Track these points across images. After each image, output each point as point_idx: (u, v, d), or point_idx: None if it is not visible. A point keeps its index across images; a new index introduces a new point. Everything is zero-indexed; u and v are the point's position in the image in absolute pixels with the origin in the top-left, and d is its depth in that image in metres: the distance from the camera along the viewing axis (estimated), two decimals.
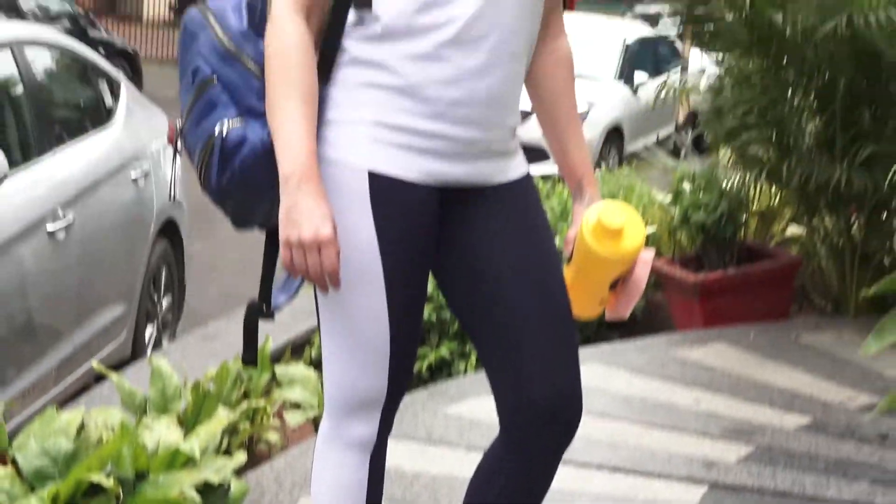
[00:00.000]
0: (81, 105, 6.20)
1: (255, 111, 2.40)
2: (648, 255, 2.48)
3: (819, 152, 5.87)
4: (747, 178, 6.13)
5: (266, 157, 2.36)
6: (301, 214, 2.26)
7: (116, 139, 6.02)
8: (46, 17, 18.09)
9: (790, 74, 5.78)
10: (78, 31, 18.16)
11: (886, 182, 5.29)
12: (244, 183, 2.41)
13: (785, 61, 5.77)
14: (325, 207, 2.28)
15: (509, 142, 2.51)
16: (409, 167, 2.38)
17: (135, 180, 5.98)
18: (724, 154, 6.63)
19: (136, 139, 6.22)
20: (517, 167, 2.53)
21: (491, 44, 2.39)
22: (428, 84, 2.37)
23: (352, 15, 2.40)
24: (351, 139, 2.39)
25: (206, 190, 2.48)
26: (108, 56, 18.25)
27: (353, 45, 2.40)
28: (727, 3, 5.76)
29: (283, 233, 2.28)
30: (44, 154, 5.20)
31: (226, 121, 2.41)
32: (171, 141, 6.57)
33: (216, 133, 2.40)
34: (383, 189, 2.37)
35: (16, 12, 17.35)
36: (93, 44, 18.35)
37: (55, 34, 6.11)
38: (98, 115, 6.09)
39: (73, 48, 6.06)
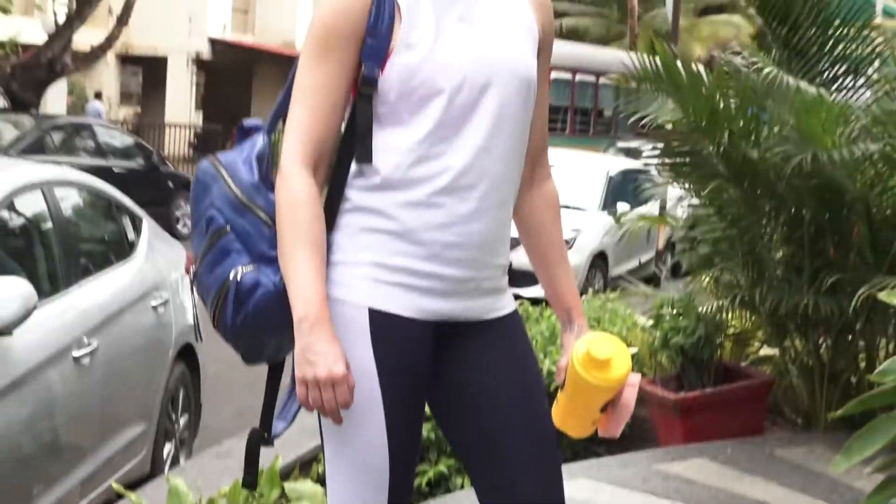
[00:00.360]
0: (106, 239, 6.28)
1: (266, 257, 2.46)
2: (635, 379, 2.55)
3: (788, 280, 5.94)
4: (722, 303, 6.20)
5: (278, 299, 2.41)
6: (316, 355, 2.31)
7: (138, 270, 6.10)
8: (121, 153, 18.57)
9: (763, 205, 5.86)
10: (150, 167, 18.53)
11: (851, 307, 5.36)
12: (257, 324, 2.46)
13: (758, 193, 5.85)
14: (337, 348, 2.33)
15: (499, 280, 2.57)
16: (407, 305, 2.45)
17: (155, 308, 6.06)
18: (701, 281, 6.71)
19: (156, 270, 6.30)
20: (506, 304, 2.60)
21: (481, 192, 2.46)
22: (423, 229, 2.43)
23: (353, 167, 2.48)
24: (353, 279, 2.45)
25: (218, 330, 2.52)
26: (176, 188, 18.59)
27: (354, 193, 2.47)
28: (706, 137, 5.84)
29: (300, 371, 2.32)
30: (71, 286, 5.27)
31: (240, 267, 2.45)
32: (188, 271, 6.71)
33: (231, 278, 2.45)
34: (383, 325, 2.43)
35: (96, 148, 17.96)
36: (164, 178, 18.74)
37: (82, 175, 6.21)
38: (121, 249, 6.18)
39: (99, 187, 6.16)
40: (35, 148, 16.56)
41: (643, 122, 6.08)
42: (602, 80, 25.79)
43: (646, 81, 5.83)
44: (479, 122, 2.46)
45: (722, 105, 5.62)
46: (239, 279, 2.45)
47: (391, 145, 2.44)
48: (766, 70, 5.54)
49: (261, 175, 2.54)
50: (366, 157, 2.46)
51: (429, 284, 2.46)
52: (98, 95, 31.67)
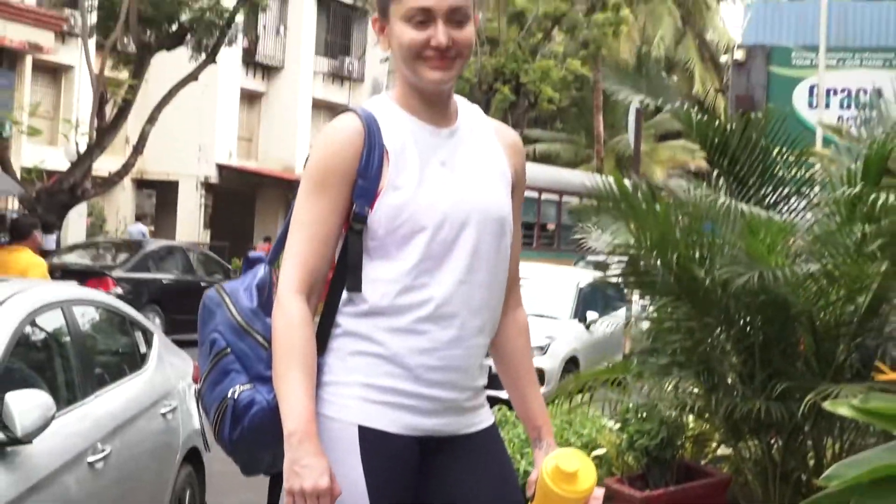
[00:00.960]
0: (120, 352, 6.27)
1: (262, 377, 2.47)
2: (599, 493, 2.55)
3: (741, 387, 5.94)
4: (682, 408, 6.18)
5: (272, 415, 2.42)
6: (303, 468, 2.32)
7: (149, 380, 6.09)
8: (204, 269, 19.55)
9: (713, 320, 5.88)
10: (213, 260, 19.29)
11: (799, 412, 5.34)
12: (253, 438, 2.48)
13: (708, 309, 5.87)
14: (323, 462, 2.34)
15: (477, 398, 2.60)
16: (395, 422, 2.46)
17: (164, 415, 6.03)
18: (662, 387, 6.69)
19: (165, 380, 6.29)
20: (484, 418, 2.62)
21: (461, 320, 2.49)
22: (408, 353, 2.46)
23: (344, 295, 2.51)
24: (344, 398, 2.46)
25: (219, 442, 2.54)
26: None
27: (344, 319, 2.50)
28: (660, 259, 5.86)
29: (287, 483, 2.33)
30: (87, 395, 5.25)
31: (238, 386, 2.48)
32: (196, 380, 6.69)
33: (229, 395, 2.47)
34: (372, 441, 2.44)
35: (186, 265, 18.96)
36: (228, 272, 19.74)
37: (97, 294, 6.24)
38: (134, 361, 6.17)
39: (114, 305, 6.18)
40: (140, 267, 17.78)
41: (601, 242, 6.10)
42: (565, 198, 25.93)
43: (604, 207, 5.85)
44: (459, 256, 2.50)
45: (672, 229, 5.64)
46: (236, 397, 2.47)
47: (379, 276, 2.47)
48: (711, 198, 5.59)
49: (260, 302, 2.57)
50: (356, 286, 2.48)
51: (414, 403, 2.47)
52: (140, 218, 32.05)
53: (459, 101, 2.69)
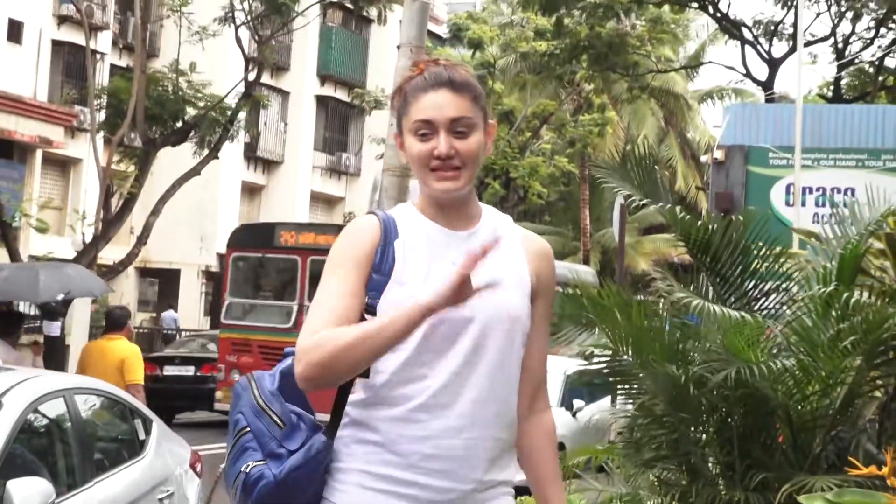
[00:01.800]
0: (119, 439, 6.26)
1: (275, 454, 2.51)
2: None
3: (722, 477, 5.91)
4: (664, 499, 6.14)
5: (277, 490, 2.46)
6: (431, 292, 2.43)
7: (148, 467, 6.07)
8: None
9: (689, 415, 5.86)
10: None
11: (776, 502, 5.32)
12: None
13: (683, 405, 5.84)
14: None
15: (488, 491, 2.56)
16: None
17: (161, 500, 6.00)
18: (645, 477, 6.66)
19: (163, 466, 6.27)
20: None
21: (458, 411, 2.49)
22: (403, 441, 2.47)
23: (353, 387, 2.54)
24: (345, 485, 2.50)
25: None
26: None
27: (351, 409, 2.55)
28: (635, 357, 5.84)
29: (435, 300, 2.44)
30: (87, 482, 5.24)
31: (251, 462, 2.51)
32: (192, 466, 6.64)
33: (243, 469, 2.52)
34: None
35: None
36: None
37: (101, 383, 6.23)
38: (133, 448, 6.15)
39: (115, 394, 6.18)
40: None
41: (579, 340, 6.08)
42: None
43: (578, 311, 5.88)
44: (458, 350, 2.51)
45: (645, 331, 5.64)
46: (248, 471, 2.51)
47: (381, 367, 2.50)
48: (686, 300, 5.62)
49: (281, 385, 2.60)
50: (364, 373, 2.50)
51: (409, 492, 2.48)
52: (172, 306, 32.30)
53: (486, 209, 2.72)
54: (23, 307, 15.31)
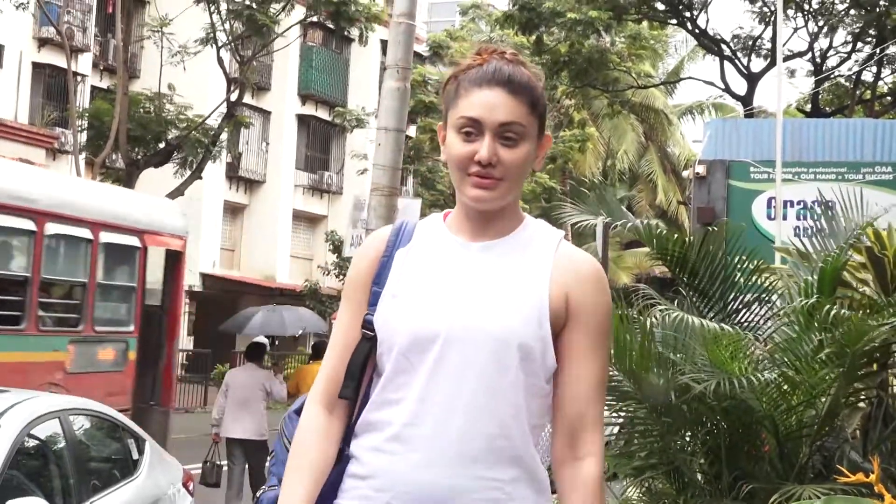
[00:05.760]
0: (113, 459, 6.30)
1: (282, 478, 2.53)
2: None
3: (709, 487, 5.98)
4: None
5: None
6: None
7: (141, 486, 6.12)
8: None
9: (672, 420, 5.93)
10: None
11: None
12: None
13: (667, 413, 5.90)
14: None
15: None
16: None
17: None
18: (636, 487, 6.72)
19: (156, 486, 6.31)
20: None
21: (428, 444, 2.27)
22: (381, 473, 2.29)
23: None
24: None
25: None
26: None
27: (352, 440, 2.41)
28: (618, 366, 5.88)
29: None
30: (82, 502, 5.28)
31: (265, 487, 2.69)
32: (185, 485, 6.68)
33: (258, 494, 2.71)
34: None
35: None
36: None
37: (94, 404, 6.28)
38: (126, 467, 6.20)
39: (109, 414, 6.23)
40: None
41: None
42: None
43: None
44: (434, 376, 2.29)
45: (628, 343, 5.70)
46: (259, 496, 2.71)
47: (371, 392, 2.38)
48: (666, 313, 5.71)
49: (296, 410, 2.70)
50: (345, 393, 2.39)
51: None
52: None
53: (532, 223, 2.45)
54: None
